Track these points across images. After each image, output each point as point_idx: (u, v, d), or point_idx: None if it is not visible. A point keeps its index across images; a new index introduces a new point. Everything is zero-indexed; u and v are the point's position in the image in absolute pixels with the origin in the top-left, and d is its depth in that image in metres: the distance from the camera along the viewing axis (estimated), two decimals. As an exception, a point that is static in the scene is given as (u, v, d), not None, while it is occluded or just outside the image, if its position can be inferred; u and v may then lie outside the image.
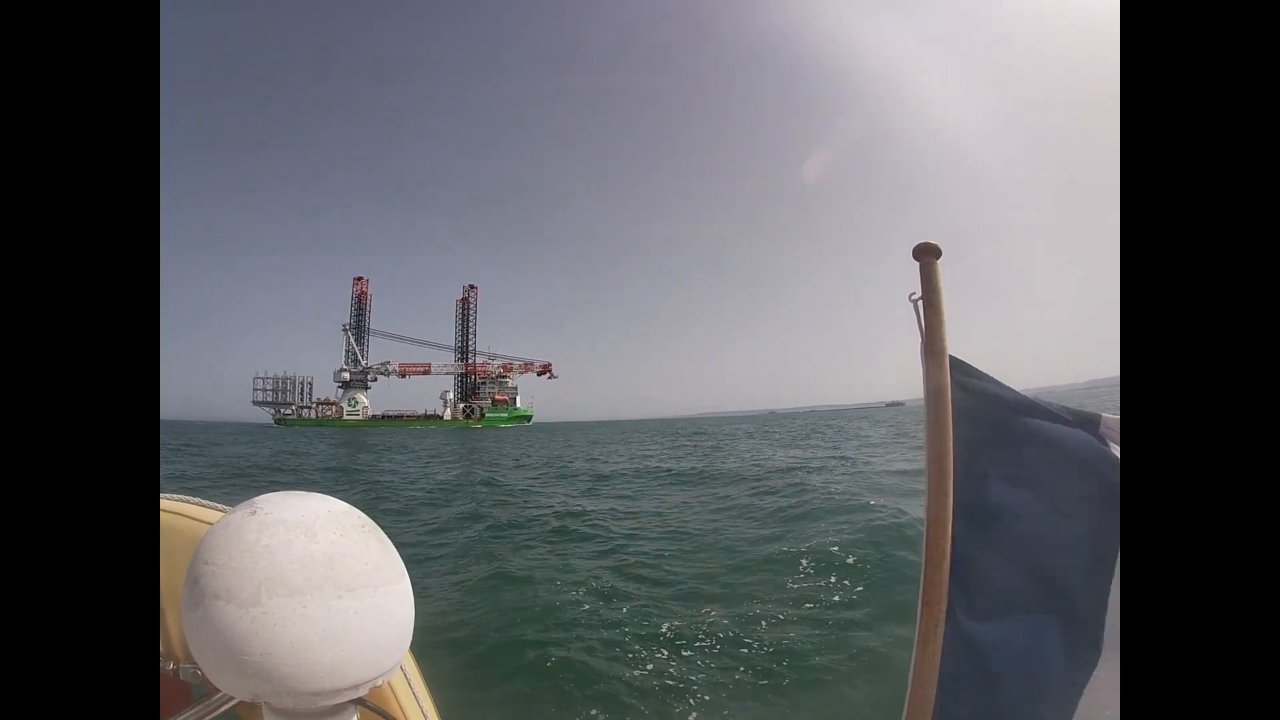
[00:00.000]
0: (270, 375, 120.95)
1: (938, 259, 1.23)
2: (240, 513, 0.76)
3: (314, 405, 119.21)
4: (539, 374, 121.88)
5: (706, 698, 4.24)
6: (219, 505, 1.18)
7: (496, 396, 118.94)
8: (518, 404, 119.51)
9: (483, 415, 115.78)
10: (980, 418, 1.23)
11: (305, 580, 0.71)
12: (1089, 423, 1.20)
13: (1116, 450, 1.15)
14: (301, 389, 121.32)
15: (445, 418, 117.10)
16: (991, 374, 1.27)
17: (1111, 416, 1.18)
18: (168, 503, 1.16)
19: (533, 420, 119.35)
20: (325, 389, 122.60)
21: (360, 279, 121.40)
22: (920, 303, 1.22)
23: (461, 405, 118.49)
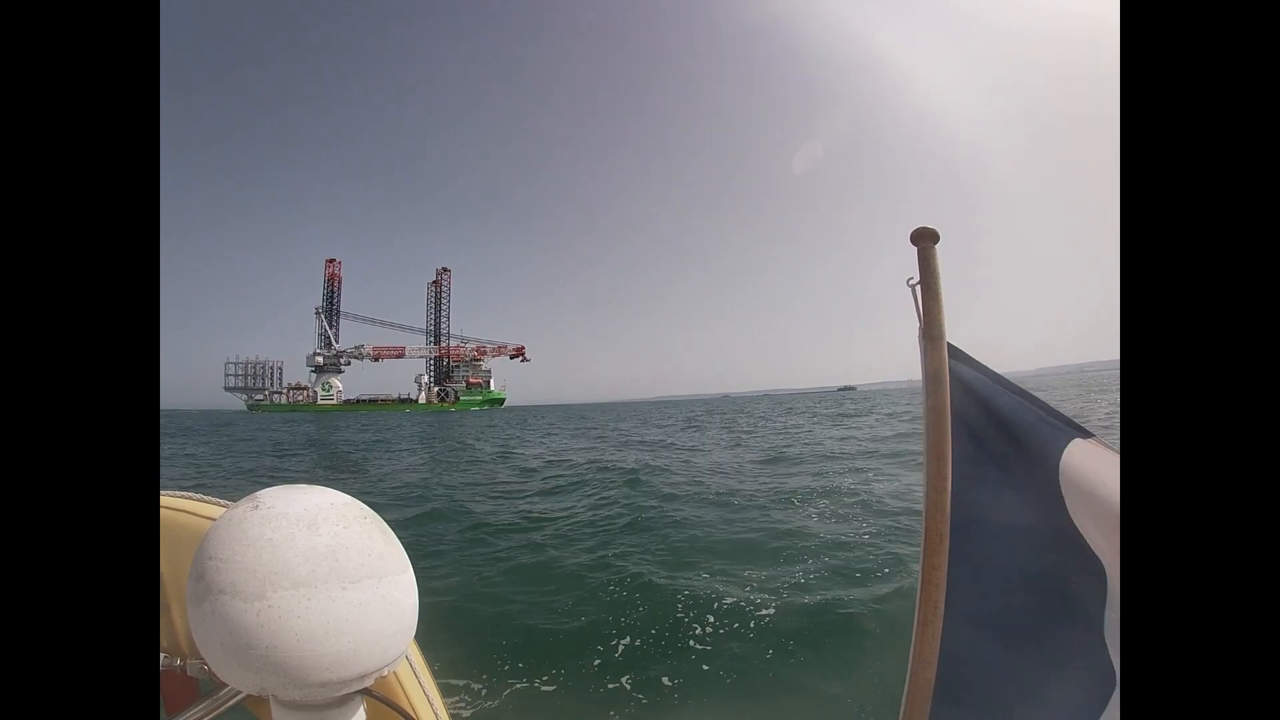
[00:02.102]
0: (241, 360, 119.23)
1: (935, 243, 1.23)
2: (243, 507, 0.76)
3: (285, 390, 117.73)
4: (511, 357, 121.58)
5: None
6: (221, 501, 1.17)
7: (471, 379, 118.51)
8: (491, 387, 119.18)
9: (457, 398, 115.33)
10: (975, 403, 1.24)
11: (309, 573, 0.72)
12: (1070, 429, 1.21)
13: (1095, 460, 1.17)
14: (272, 374, 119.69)
15: (420, 401, 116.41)
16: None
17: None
18: (170, 499, 1.16)
19: (504, 403, 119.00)
20: (294, 373, 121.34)
21: (332, 261, 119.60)
22: (918, 287, 1.23)
23: (436, 389, 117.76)
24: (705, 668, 4.09)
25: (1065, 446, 1.19)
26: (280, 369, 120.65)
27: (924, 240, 1.22)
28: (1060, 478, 1.17)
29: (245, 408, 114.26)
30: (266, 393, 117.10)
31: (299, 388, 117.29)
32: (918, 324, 1.23)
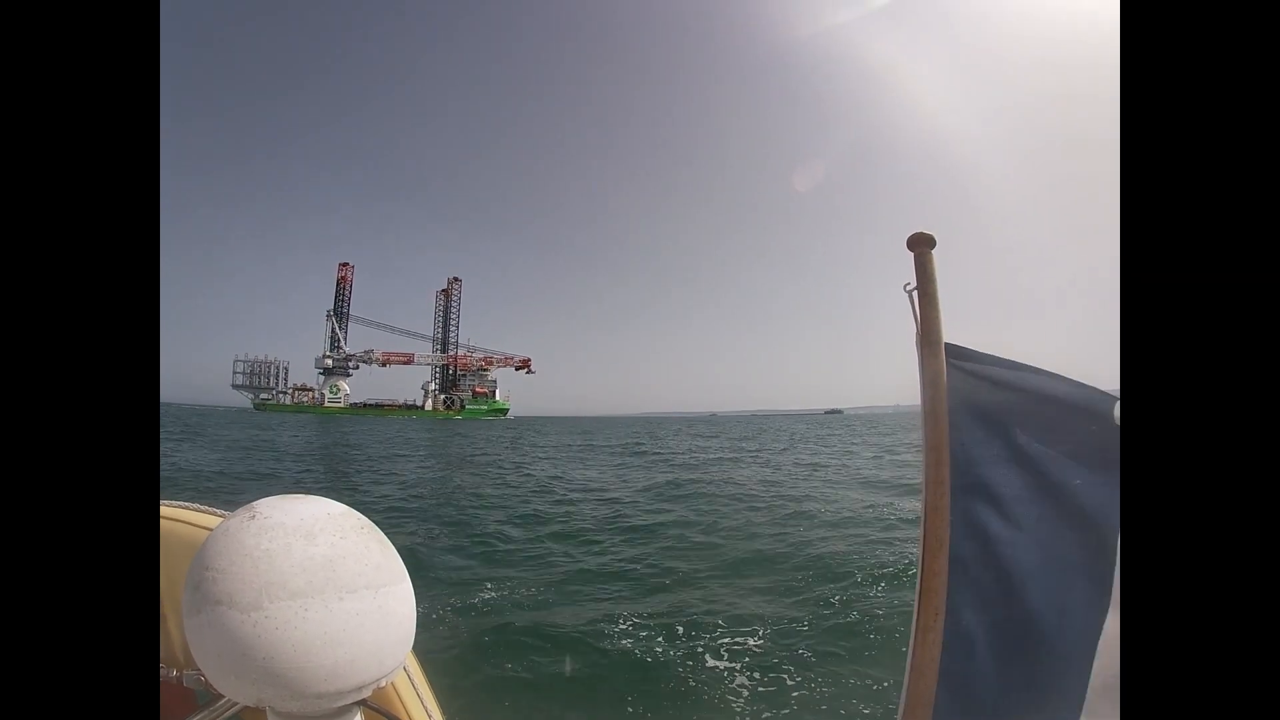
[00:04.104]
0: (249, 358, 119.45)
1: (932, 249, 1.23)
2: (239, 517, 0.76)
3: (291, 390, 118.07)
4: (517, 368, 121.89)
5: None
6: (218, 510, 1.17)
7: (477, 389, 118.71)
8: (496, 397, 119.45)
9: (463, 406, 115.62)
10: (978, 405, 1.22)
11: (306, 583, 0.71)
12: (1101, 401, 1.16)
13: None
14: (278, 373, 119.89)
15: (426, 408, 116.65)
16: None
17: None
18: (168, 509, 1.16)
19: (507, 413, 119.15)
20: (300, 374, 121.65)
21: (345, 265, 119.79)
22: (915, 292, 1.22)
23: (442, 397, 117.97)
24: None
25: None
26: (286, 368, 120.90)
27: (921, 246, 1.22)
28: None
29: (251, 406, 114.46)
30: (273, 392, 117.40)
31: (304, 388, 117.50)
32: (915, 329, 1.22)
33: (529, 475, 19.11)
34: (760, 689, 4.52)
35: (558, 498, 14.34)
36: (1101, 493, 1.13)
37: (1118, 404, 1.15)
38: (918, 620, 1.11)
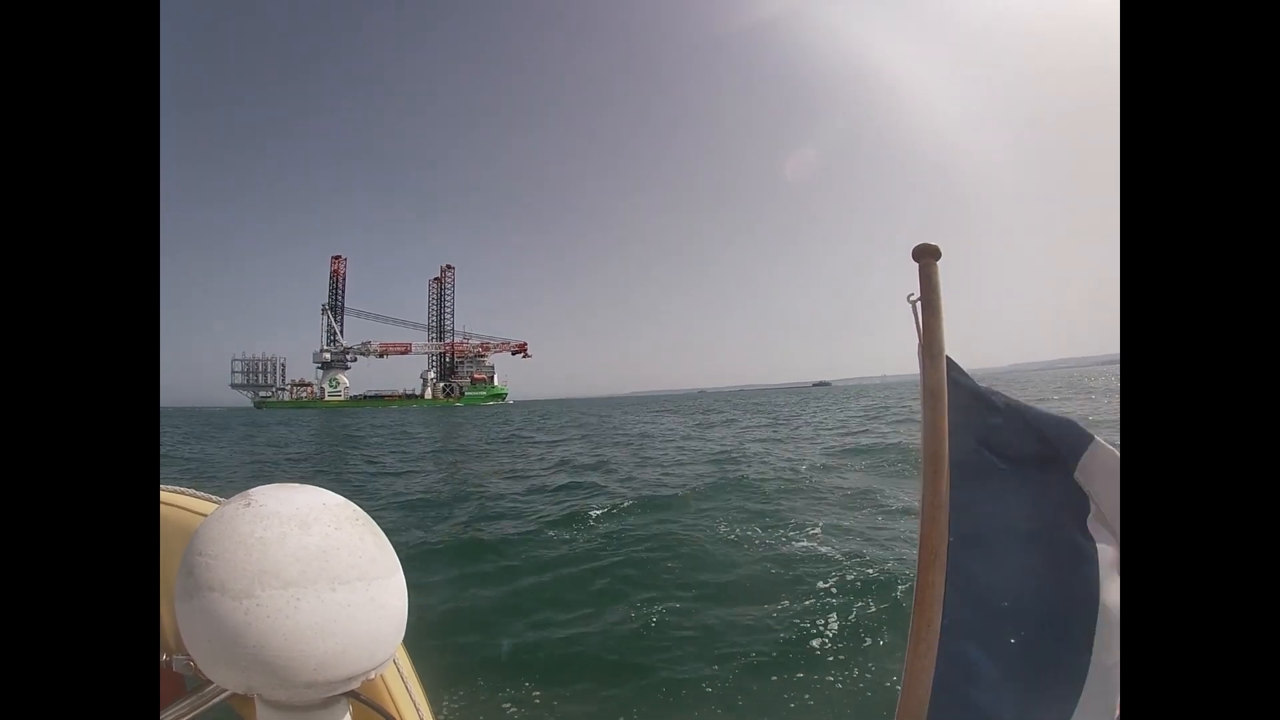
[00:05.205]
0: (246, 357, 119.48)
1: (937, 260, 1.23)
2: (234, 504, 0.75)
3: (289, 387, 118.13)
4: (514, 353, 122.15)
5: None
6: (214, 497, 1.17)
7: (475, 375, 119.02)
8: (495, 382, 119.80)
9: (462, 394, 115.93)
10: (973, 420, 1.23)
11: (299, 573, 0.71)
12: (1071, 441, 1.21)
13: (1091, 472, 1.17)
14: (276, 370, 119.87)
15: (426, 397, 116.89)
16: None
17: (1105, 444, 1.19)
18: (164, 494, 1.15)
19: (505, 398, 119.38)
20: (298, 369, 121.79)
21: (338, 258, 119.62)
22: (919, 304, 1.22)
23: (441, 385, 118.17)
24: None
25: (1087, 449, 1.18)
26: (284, 365, 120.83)
27: (926, 257, 1.22)
28: (1080, 479, 1.15)
29: (252, 405, 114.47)
30: (273, 389, 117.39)
31: (303, 384, 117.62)
32: (917, 340, 1.22)
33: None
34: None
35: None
36: (1076, 518, 1.14)
37: (1093, 442, 1.19)
38: (912, 631, 1.11)
